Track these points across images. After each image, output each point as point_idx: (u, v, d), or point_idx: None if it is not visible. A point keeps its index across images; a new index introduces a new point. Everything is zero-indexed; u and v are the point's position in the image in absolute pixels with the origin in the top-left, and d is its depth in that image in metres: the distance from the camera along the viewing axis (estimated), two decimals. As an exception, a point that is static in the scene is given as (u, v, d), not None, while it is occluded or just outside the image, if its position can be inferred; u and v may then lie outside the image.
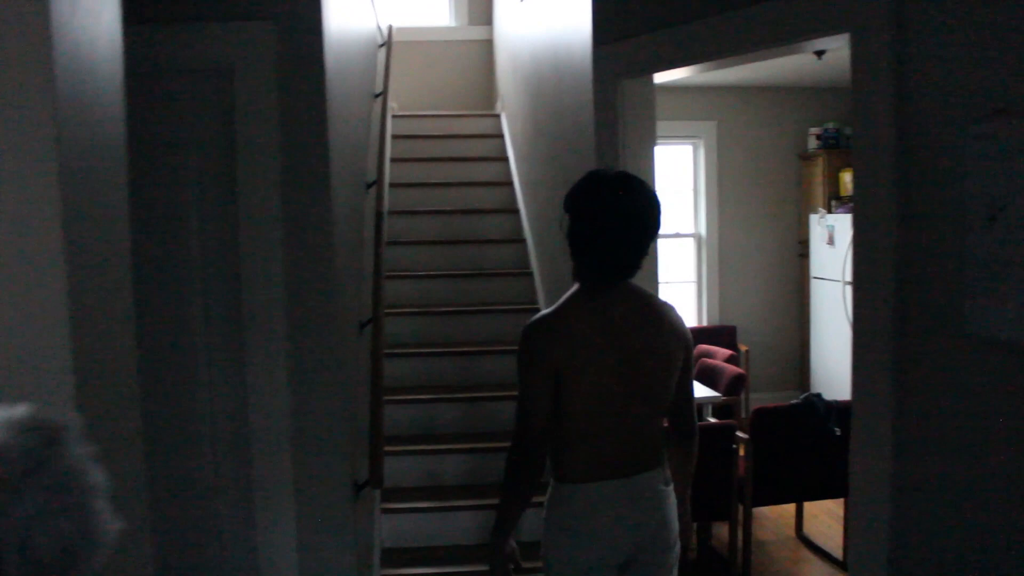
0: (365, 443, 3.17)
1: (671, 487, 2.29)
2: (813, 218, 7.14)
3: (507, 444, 2.24)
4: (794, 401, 4.23)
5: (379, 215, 4.09)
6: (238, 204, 2.58)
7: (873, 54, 2.20)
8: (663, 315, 2.21)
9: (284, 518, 2.59)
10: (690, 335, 2.28)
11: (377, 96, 5.39)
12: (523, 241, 5.70)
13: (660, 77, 3.18)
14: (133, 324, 1.43)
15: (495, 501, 2.33)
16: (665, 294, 7.70)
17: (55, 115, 1.09)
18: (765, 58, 2.84)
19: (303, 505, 2.61)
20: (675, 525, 2.27)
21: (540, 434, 2.14)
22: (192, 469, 2.61)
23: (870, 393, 2.28)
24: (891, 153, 2.17)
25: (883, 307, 2.22)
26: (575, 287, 2.21)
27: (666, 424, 2.36)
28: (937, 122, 2.07)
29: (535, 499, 2.22)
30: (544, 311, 2.22)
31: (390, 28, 6.32)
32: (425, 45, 7.89)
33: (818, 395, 4.19)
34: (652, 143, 3.28)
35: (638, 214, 2.14)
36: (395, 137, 6.52)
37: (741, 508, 4.24)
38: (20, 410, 0.66)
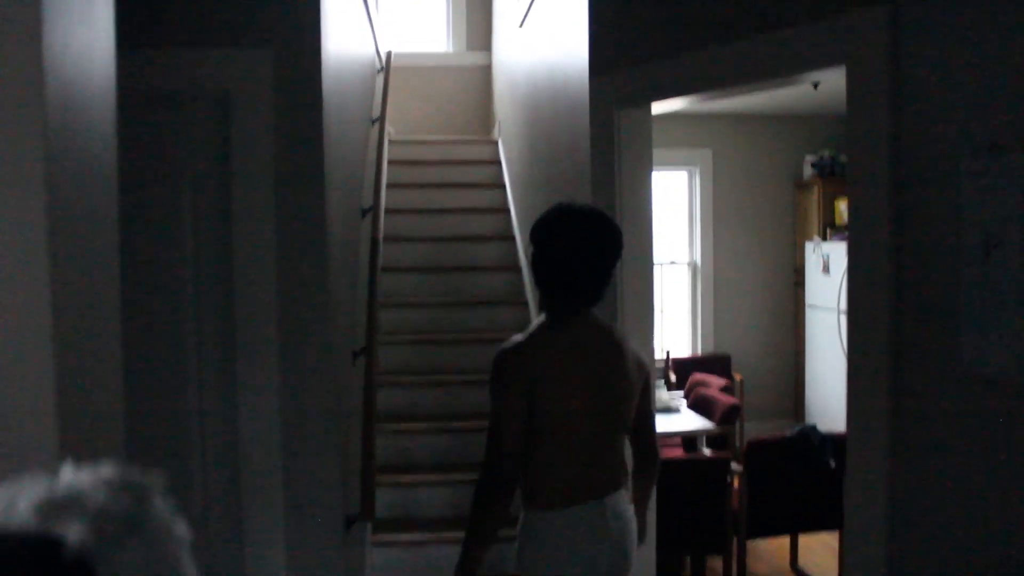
0: (357, 475, 3.13)
1: (632, 507, 2.39)
2: (808, 246, 7.15)
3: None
4: (789, 433, 4.21)
5: (375, 242, 4.07)
6: (232, 230, 2.56)
7: (869, 87, 2.21)
8: (623, 343, 2.34)
9: (274, 552, 2.55)
10: (647, 363, 2.43)
11: (374, 122, 5.40)
12: (518, 269, 5.69)
13: (658, 107, 3.19)
14: (120, 355, 1.40)
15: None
16: (659, 322, 7.72)
17: (45, 144, 1.08)
18: (762, 90, 2.85)
19: (293, 539, 2.57)
20: (635, 545, 2.37)
21: (513, 457, 2.19)
22: (181, 500, 2.58)
23: (866, 426, 2.27)
24: (886, 185, 2.16)
25: (879, 339, 2.20)
26: (542, 317, 2.33)
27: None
28: (932, 155, 2.07)
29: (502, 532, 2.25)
30: (515, 338, 2.30)
31: (389, 54, 6.34)
32: (423, 71, 7.92)
33: (813, 427, 4.17)
34: (648, 172, 3.28)
35: (598, 245, 2.24)
36: (392, 163, 6.52)
37: (736, 540, 4.20)
38: (107, 470, 0.69)
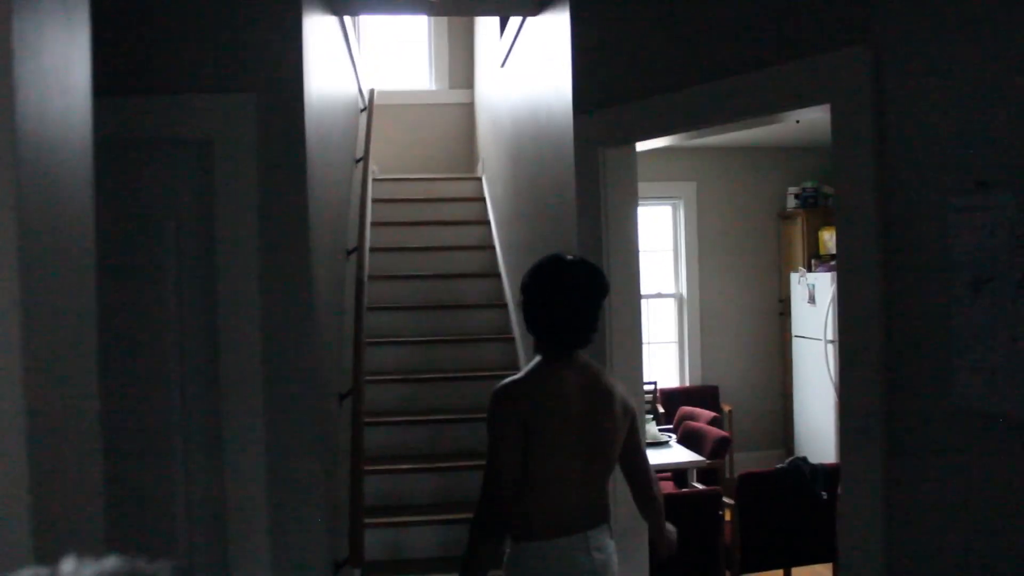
0: (345, 519, 3.09)
1: (613, 542, 2.47)
2: (794, 276, 7.18)
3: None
4: (779, 465, 4.19)
5: (360, 283, 4.06)
6: (217, 273, 2.54)
7: (854, 125, 2.22)
8: (611, 386, 2.46)
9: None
10: (633, 405, 2.52)
11: (358, 161, 5.40)
12: (504, 306, 5.67)
13: (641, 143, 3.20)
14: (97, 408, 1.38)
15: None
16: (647, 354, 7.72)
17: (17, 190, 1.06)
18: (746, 128, 2.86)
19: (282, 586, 2.53)
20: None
21: (510, 492, 2.29)
22: (166, 546, 2.53)
23: (859, 460, 2.26)
24: (874, 222, 2.17)
25: (870, 375, 2.20)
26: (537, 359, 2.45)
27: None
28: (919, 192, 2.08)
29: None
30: (511, 377, 2.42)
31: (371, 92, 6.36)
32: (406, 109, 7.95)
33: (803, 458, 4.15)
34: (634, 207, 3.28)
35: (585, 294, 2.39)
36: (376, 201, 6.50)
37: (729, 575, 4.16)
38: (111, 561, 0.66)
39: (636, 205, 3.30)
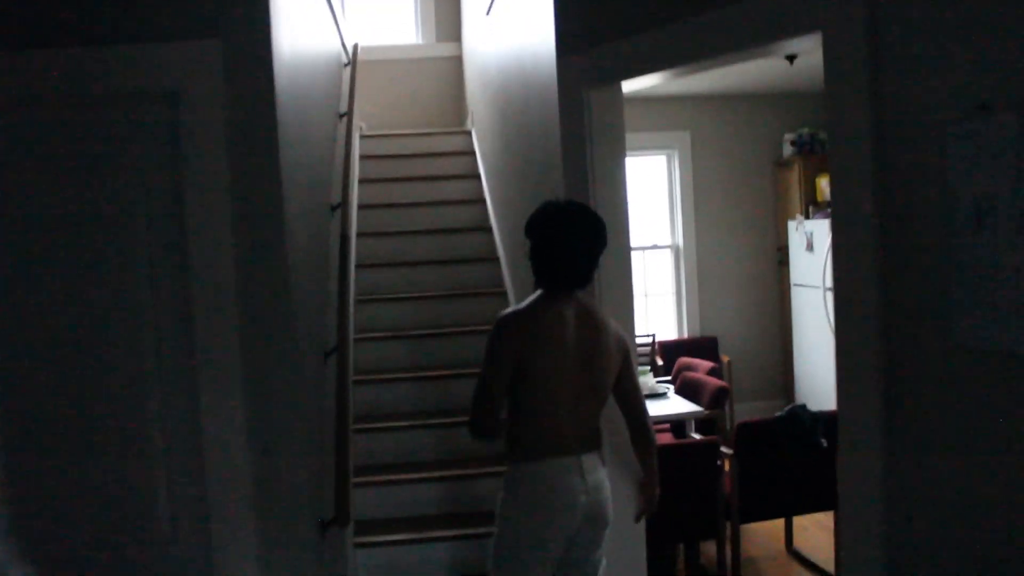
0: (331, 478, 3.02)
1: (605, 470, 2.69)
2: (791, 224, 7.08)
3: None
4: (778, 413, 4.13)
5: (344, 238, 3.96)
6: (187, 231, 2.44)
7: (846, 54, 2.11)
8: (604, 321, 2.68)
9: (245, 560, 2.44)
10: (627, 341, 2.77)
11: (342, 116, 5.27)
12: (496, 260, 5.58)
13: (629, 86, 3.08)
14: None
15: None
16: (644, 306, 7.64)
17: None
18: (736, 61, 2.73)
19: (265, 546, 2.46)
20: (610, 504, 2.66)
21: (494, 405, 2.57)
22: (147, 510, 2.47)
23: (857, 404, 2.18)
24: (868, 157, 2.07)
25: (867, 315, 2.11)
26: (538, 292, 2.68)
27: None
28: (916, 122, 1.98)
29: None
30: (512, 307, 2.71)
31: (355, 47, 6.20)
32: (393, 64, 7.78)
33: (802, 406, 4.09)
34: (622, 154, 3.16)
35: (583, 236, 2.61)
36: (364, 157, 6.40)
37: (729, 525, 4.12)
38: None
39: (624, 152, 3.18)
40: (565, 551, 2.60)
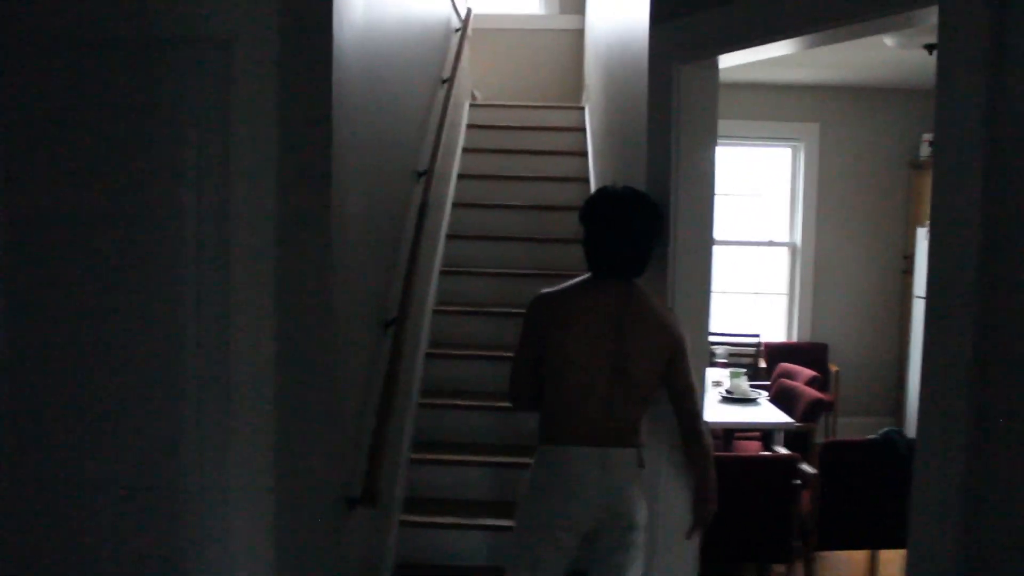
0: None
1: (641, 471, 2.55)
2: (920, 232, 6.55)
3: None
4: (871, 436, 3.77)
5: (423, 206, 3.82)
6: (231, 182, 2.36)
7: (964, 30, 1.80)
8: (658, 314, 2.57)
9: (261, 533, 2.36)
10: (682, 337, 2.58)
11: (444, 82, 5.14)
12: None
13: (729, 61, 2.78)
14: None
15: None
16: (752, 306, 7.24)
17: None
18: (844, 38, 2.42)
19: (284, 518, 2.36)
20: (639, 507, 2.51)
21: (525, 382, 2.59)
22: (172, 471, 2.42)
23: (939, 429, 1.88)
24: (980, 152, 1.76)
25: (961, 336, 1.81)
26: (582, 276, 2.62)
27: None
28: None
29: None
30: (550, 288, 2.63)
31: (468, 12, 6.05)
32: (512, 33, 7.60)
33: (899, 431, 3.72)
34: (712, 140, 2.88)
35: (626, 224, 2.56)
36: (472, 127, 6.26)
37: (804, 549, 3.81)
38: None
39: (714, 140, 2.89)
40: (588, 547, 2.50)
